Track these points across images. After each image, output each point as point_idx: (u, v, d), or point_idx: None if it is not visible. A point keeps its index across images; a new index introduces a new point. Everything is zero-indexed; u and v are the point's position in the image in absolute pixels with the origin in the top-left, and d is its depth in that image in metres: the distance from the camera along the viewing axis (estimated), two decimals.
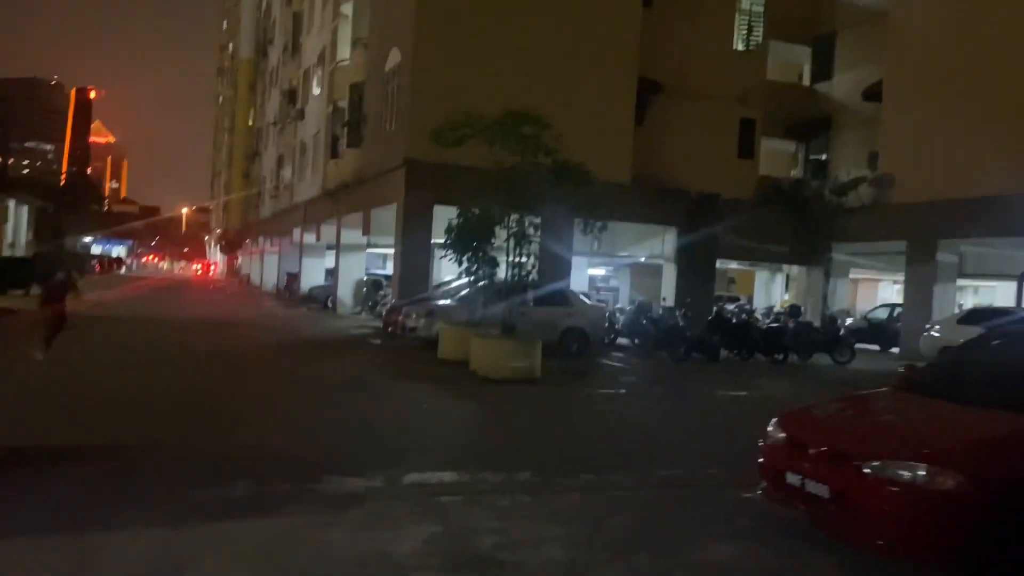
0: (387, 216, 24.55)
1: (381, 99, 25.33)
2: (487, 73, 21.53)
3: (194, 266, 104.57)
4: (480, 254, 15.53)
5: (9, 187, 32.43)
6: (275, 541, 4.93)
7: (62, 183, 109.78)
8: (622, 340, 21.92)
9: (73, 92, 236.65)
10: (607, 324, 20.53)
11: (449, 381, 12.83)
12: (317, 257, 37.78)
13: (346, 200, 28.72)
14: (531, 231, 14.48)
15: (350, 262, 30.43)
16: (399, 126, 22.97)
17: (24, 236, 33.24)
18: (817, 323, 22.16)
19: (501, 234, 15.95)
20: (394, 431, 8.83)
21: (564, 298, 18.63)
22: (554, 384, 13.28)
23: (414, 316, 17.72)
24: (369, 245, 29.44)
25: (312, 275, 37.68)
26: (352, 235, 29.47)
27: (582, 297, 20.28)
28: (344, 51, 31.40)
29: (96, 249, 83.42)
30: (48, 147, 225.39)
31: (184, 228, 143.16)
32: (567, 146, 14.73)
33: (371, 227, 26.16)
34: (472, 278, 16.61)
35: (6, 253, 28.72)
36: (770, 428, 5.79)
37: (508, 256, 15.73)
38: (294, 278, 39.67)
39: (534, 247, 14.69)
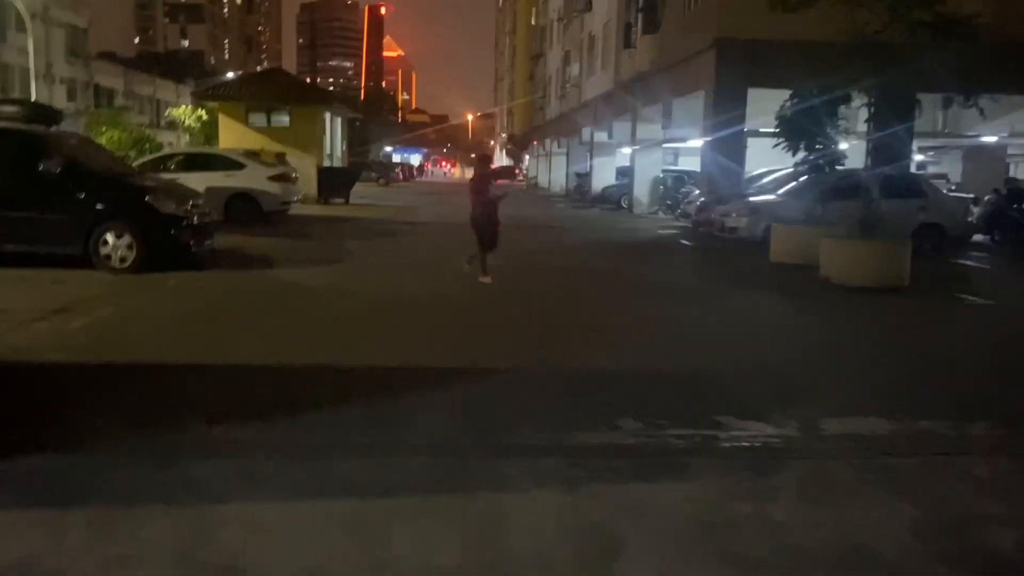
0: (691, 106, 22.57)
1: None
2: None
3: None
4: (820, 140, 13.32)
5: (327, 100, 34.61)
6: (707, 513, 3.76)
7: (362, 97, 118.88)
8: (976, 236, 18.51)
9: (367, 9, 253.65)
10: (968, 219, 17.24)
11: (799, 290, 11.09)
12: (608, 155, 36.72)
13: (642, 92, 27.01)
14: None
15: (646, 159, 28.92)
16: (704, 3, 20.61)
17: (340, 147, 35.54)
18: None
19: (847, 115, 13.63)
20: (767, 355, 7.39)
21: (918, 188, 15.75)
22: (928, 293, 11.03)
23: (735, 214, 15.94)
24: (667, 140, 27.64)
25: (603, 175, 36.75)
26: (649, 130, 27.88)
27: (937, 187, 17.10)
28: None
29: (396, 158, 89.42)
30: (347, 64, 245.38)
31: (471, 134, 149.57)
32: None
33: (672, 119, 24.35)
34: (806, 169, 14.42)
35: (326, 163, 30.71)
36: None
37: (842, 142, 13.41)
38: (584, 178, 39.02)
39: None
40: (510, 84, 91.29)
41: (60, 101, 43.23)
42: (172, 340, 7.13)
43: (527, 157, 76.06)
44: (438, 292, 10.24)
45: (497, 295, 10.19)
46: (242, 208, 17.95)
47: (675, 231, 20.81)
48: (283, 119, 29.35)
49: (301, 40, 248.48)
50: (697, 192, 22.51)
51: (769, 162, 22.87)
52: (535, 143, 64.97)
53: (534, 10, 69.30)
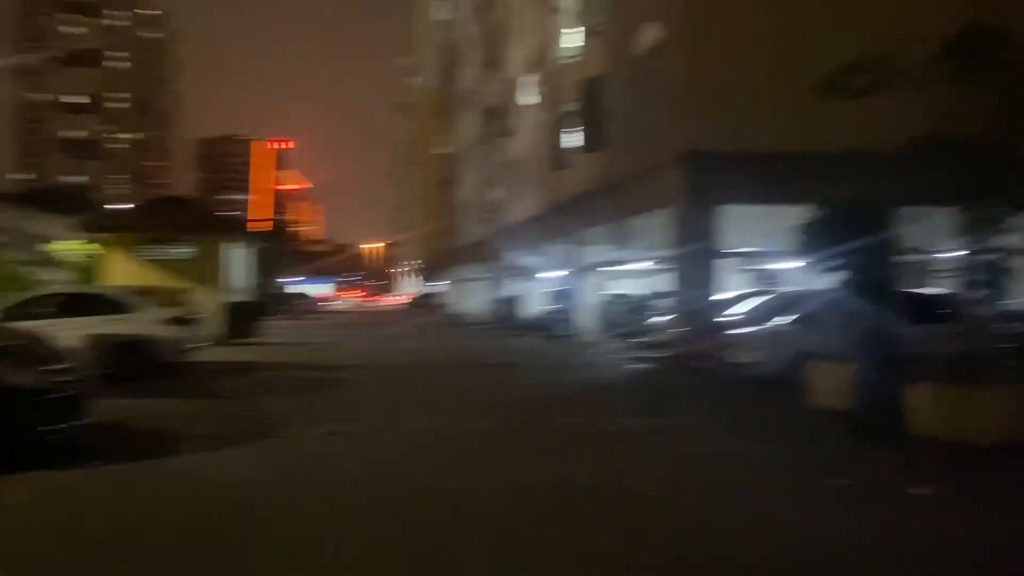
0: (648, 225, 20.62)
1: (631, 89, 21.46)
2: (788, 26, 17.15)
3: (387, 299, 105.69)
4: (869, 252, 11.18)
5: (237, 228, 31.45)
6: None
7: (269, 228, 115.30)
8: None
9: (270, 144, 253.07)
10: None
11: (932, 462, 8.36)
12: (537, 280, 34.54)
13: (584, 213, 25.02)
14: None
15: (590, 283, 26.68)
16: (668, 114, 18.91)
17: (248, 279, 32.08)
18: None
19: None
20: None
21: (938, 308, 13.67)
22: None
23: (747, 347, 13.47)
24: (618, 263, 25.54)
25: (531, 301, 34.40)
26: (592, 252, 25.79)
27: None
28: (565, 48, 27.98)
29: (304, 288, 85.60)
30: (249, 197, 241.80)
31: (376, 262, 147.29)
32: None
33: (625, 240, 22.28)
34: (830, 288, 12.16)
35: (233, 299, 27.16)
36: None
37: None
38: (512, 304, 36.57)
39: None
40: (418, 211, 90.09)
41: None
42: None
43: (435, 285, 73.77)
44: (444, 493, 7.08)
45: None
46: (132, 360, 14.39)
47: (651, 364, 18.18)
48: (185, 251, 25.94)
49: (201, 173, 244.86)
50: (665, 319, 20.16)
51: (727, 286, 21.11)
52: (449, 268, 62.81)
53: (441, 138, 68.79)
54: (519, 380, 16.07)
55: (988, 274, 10.56)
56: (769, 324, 14.19)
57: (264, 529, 6.01)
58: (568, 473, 7.73)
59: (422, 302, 76.63)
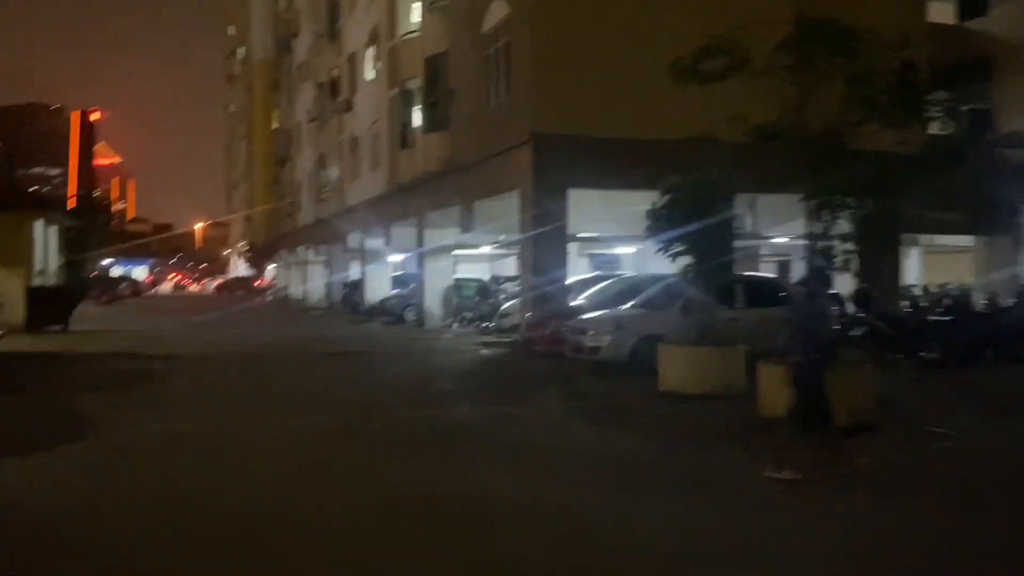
0: (496, 208, 20.37)
1: (477, 68, 21.00)
2: (638, 9, 17.29)
3: (213, 282, 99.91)
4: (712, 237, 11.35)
5: (40, 205, 28.32)
6: None
7: (72, 205, 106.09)
8: None
9: (76, 115, 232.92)
10: None
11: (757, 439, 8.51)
12: (379, 263, 33.56)
13: (431, 194, 24.42)
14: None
15: (435, 266, 26.10)
16: (515, 96, 18.63)
17: (54, 262, 29.03)
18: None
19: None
20: None
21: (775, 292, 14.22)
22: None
23: (593, 331, 13.42)
24: (463, 245, 25.09)
25: (375, 284, 33.37)
26: (438, 234, 25.23)
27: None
28: (409, 22, 27.09)
29: (117, 271, 79.38)
30: (54, 171, 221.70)
31: (201, 244, 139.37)
32: None
33: (473, 223, 21.89)
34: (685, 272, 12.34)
35: (37, 282, 24.45)
36: None
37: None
38: (355, 289, 35.31)
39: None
40: (247, 190, 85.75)
41: None
42: None
43: (271, 267, 70.57)
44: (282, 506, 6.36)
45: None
46: None
47: (500, 350, 17.94)
48: None
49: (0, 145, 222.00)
50: (511, 303, 19.99)
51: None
52: (284, 251, 60.16)
53: (276, 113, 65.59)
54: (363, 370, 15.32)
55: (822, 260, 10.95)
56: (613, 309, 14.24)
57: (76, 559, 5.09)
58: (412, 475, 7.21)
59: (251, 286, 73.27)
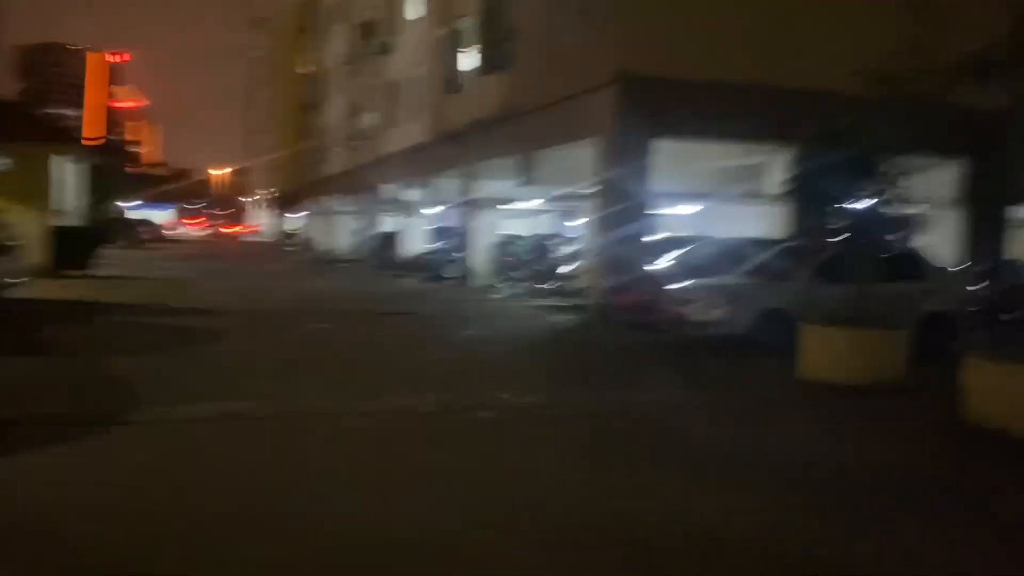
0: (557, 158, 18.52)
1: (546, 2, 18.93)
2: None
3: (237, 229, 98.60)
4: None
5: (66, 138, 26.63)
6: None
7: (86, 144, 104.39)
8: None
9: (92, 55, 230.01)
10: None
11: None
12: (416, 216, 31.77)
13: (480, 143, 22.47)
14: None
15: (484, 221, 24.27)
16: (598, 30, 16.55)
17: (79, 201, 27.37)
18: None
19: None
20: None
21: (915, 265, 12.27)
22: None
23: (702, 303, 11.59)
24: (514, 199, 23.24)
25: (409, 238, 31.55)
26: (487, 187, 23.39)
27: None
28: None
29: (139, 214, 77.97)
30: (74, 112, 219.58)
31: (223, 189, 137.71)
32: None
33: (533, 174, 20.02)
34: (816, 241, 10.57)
35: (57, 223, 22.78)
36: None
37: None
38: (388, 242, 33.43)
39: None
40: (270, 137, 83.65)
41: None
42: None
43: (293, 217, 68.70)
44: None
45: None
46: None
47: (570, 316, 16.16)
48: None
49: (23, 83, 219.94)
50: (576, 264, 18.18)
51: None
52: (309, 200, 58.29)
53: (301, 57, 63.24)
54: (429, 336, 13.62)
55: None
56: (722, 277, 12.38)
57: None
58: (576, 495, 5.51)
59: (278, 235, 71.48)
